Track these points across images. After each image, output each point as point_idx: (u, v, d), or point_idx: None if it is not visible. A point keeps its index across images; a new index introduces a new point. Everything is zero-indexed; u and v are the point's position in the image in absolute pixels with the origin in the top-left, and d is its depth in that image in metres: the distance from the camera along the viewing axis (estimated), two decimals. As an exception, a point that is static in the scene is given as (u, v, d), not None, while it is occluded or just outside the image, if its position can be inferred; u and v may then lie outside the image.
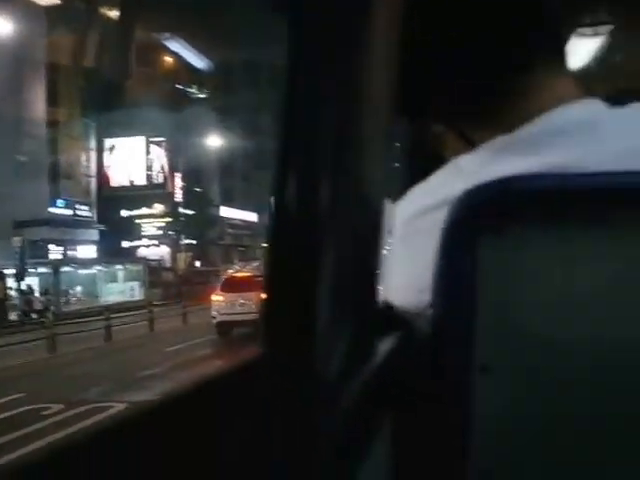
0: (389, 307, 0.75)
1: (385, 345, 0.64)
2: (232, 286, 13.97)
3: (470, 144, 0.72)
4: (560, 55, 0.71)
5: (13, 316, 20.80)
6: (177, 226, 34.67)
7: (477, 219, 0.59)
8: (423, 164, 0.85)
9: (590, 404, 0.61)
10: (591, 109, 0.67)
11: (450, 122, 0.75)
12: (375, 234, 0.56)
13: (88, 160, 31.80)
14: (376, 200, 0.56)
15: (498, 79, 0.69)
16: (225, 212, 39.11)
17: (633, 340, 0.57)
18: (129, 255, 32.53)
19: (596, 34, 2.50)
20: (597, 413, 0.61)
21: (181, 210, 35.24)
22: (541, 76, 0.69)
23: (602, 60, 2.64)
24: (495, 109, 0.70)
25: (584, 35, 2.50)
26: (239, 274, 15.32)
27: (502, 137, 0.67)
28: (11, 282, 21.48)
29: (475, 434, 0.65)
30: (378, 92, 0.53)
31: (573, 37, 2.66)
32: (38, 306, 21.51)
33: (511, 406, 0.64)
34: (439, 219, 0.62)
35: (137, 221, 35.11)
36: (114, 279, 27.86)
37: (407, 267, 0.72)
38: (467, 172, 0.67)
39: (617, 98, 0.68)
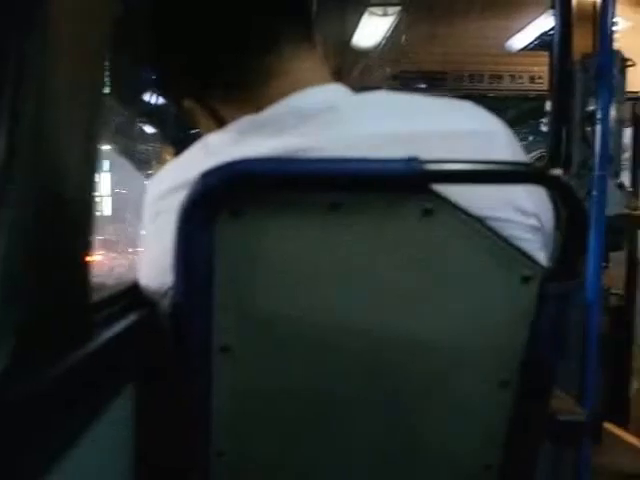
0: (136, 287, 0.73)
1: (121, 325, 0.62)
2: None
3: (221, 122, 0.71)
4: (308, 40, 0.72)
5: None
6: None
7: (214, 200, 0.59)
8: (178, 141, 0.83)
9: (321, 380, 0.64)
10: (335, 94, 0.69)
11: (200, 99, 0.73)
12: (84, 221, 0.53)
13: None
14: (83, 188, 0.53)
15: (242, 58, 0.69)
16: None
17: (356, 318, 0.61)
18: None
19: (385, 14, 2.64)
20: (328, 390, 0.64)
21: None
22: (288, 58, 0.70)
23: (389, 39, 2.80)
24: (243, 88, 0.70)
25: (374, 14, 2.63)
26: None
27: (248, 117, 0.67)
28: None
29: (215, 414, 0.65)
30: (85, 78, 0.49)
31: (364, 15, 2.80)
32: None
33: (251, 386, 0.65)
34: (181, 199, 0.60)
35: None
36: None
37: (153, 247, 0.71)
38: (213, 151, 0.66)
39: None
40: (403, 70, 2.77)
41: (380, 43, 2.87)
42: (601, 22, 1.38)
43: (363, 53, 2.91)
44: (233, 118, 0.69)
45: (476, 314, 0.62)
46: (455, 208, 0.56)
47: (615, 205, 1.51)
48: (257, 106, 0.67)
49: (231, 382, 0.64)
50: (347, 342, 0.61)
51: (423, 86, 2.78)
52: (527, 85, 2.89)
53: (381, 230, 0.57)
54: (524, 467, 0.73)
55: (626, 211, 1.63)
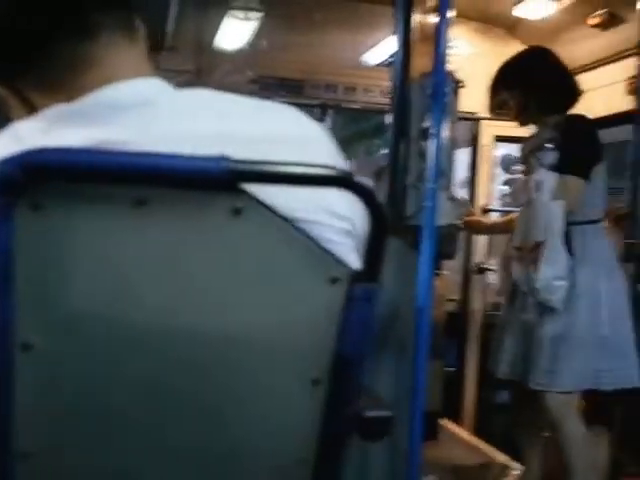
0: None
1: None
2: None
3: (35, 111, 0.68)
4: (128, 32, 0.70)
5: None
6: None
7: (13, 190, 0.55)
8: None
9: (130, 379, 0.62)
10: (153, 89, 0.68)
11: (11, 86, 0.69)
12: None
13: None
14: None
15: (52, 45, 0.66)
16: None
17: (164, 317, 0.60)
18: None
19: (247, 19, 2.65)
20: (138, 389, 0.63)
21: None
22: (105, 49, 0.68)
23: (251, 44, 2.82)
24: (55, 76, 0.67)
25: (236, 17, 2.63)
26: None
27: (60, 106, 0.64)
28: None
29: (19, 414, 0.62)
30: None
31: (226, 18, 2.79)
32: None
33: (56, 385, 0.62)
34: None
35: None
36: None
37: None
38: (22, 139, 0.62)
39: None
40: (262, 75, 2.79)
41: (242, 47, 2.87)
42: (436, 44, 1.48)
43: (225, 56, 2.89)
44: (46, 107, 0.66)
45: (286, 314, 0.64)
46: (265, 208, 0.58)
47: (446, 215, 1.63)
48: (71, 95, 0.65)
49: (34, 381, 0.61)
50: (156, 342, 0.60)
51: (282, 93, 2.83)
52: (378, 99, 3.04)
53: (190, 228, 0.57)
54: (336, 461, 0.76)
55: (457, 222, 1.77)
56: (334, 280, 0.63)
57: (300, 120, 0.71)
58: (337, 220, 0.68)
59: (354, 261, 0.67)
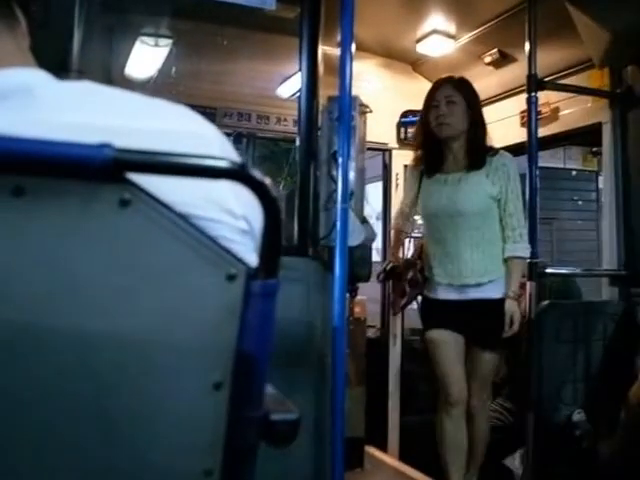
0: None
1: None
2: None
3: None
4: (9, 22, 0.68)
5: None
6: None
7: None
8: None
9: (10, 381, 0.57)
10: (34, 78, 0.65)
11: None
12: None
13: None
14: None
15: None
16: None
17: (49, 317, 0.56)
18: None
19: (157, 45, 2.64)
20: (19, 393, 0.58)
21: None
22: None
23: (161, 71, 2.80)
24: None
25: (146, 44, 2.62)
26: None
27: None
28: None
29: None
30: None
31: (136, 44, 2.77)
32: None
33: None
34: None
35: None
36: None
37: None
38: None
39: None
40: (176, 102, 2.77)
41: (153, 74, 2.85)
42: (340, 69, 1.54)
43: (136, 82, 2.86)
44: None
45: (181, 313, 0.61)
46: (155, 201, 0.56)
47: (356, 237, 1.65)
48: None
49: None
50: (39, 342, 0.56)
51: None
52: (290, 127, 3.11)
53: (74, 220, 0.54)
54: (243, 469, 0.74)
55: (368, 243, 1.80)
56: (231, 277, 0.62)
57: (192, 117, 0.70)
58: (233, 219, 0.67)
59: (254, 261, 0.66)
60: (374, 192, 3.86)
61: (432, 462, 2.78)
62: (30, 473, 0.61)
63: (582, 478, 2.50)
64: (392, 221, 3.22)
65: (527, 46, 2.54)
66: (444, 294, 2.69)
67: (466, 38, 3.26)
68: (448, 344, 2.64)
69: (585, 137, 3.38)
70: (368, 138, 1.96)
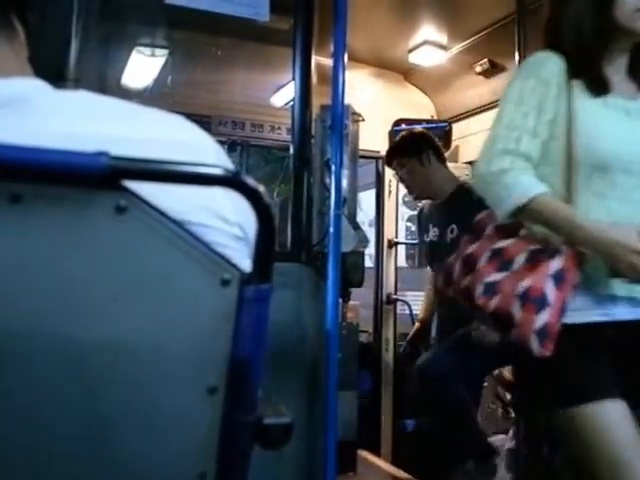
0: None
1: None
2: None
3: None
4: (7, 31, 0.69)
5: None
6: None
7: None
8: None
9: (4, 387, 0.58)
10: (31, 87, 0.66)
11: None
12: None
13: None
14: None
15: None
16: None
17: (45, 323, 0.57)
18: None
19: (153, 55, 2.66)
20: (13, 398, 0.59)
21: None
22: None
23: (157, 80, 2.82)
24: None
25: (142, 54, 2.64)
26: None
27: None
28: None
29: None
30: None
31: (133, 53, 2.79)
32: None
33: None
34: None
35: None
36: None
37: None
38: None
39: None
40: (169, 111, 2.79)
41: (149, 83, 2.87)
42: (333, 79, 1.55)
43: (132, 91, 2.88)
44: None
45: (177, 318, 0.62)
46: (151, 208, 0.57)
47: (349, 242, 1.67)
48: None
49: None
50: (34, 349, 0.57)
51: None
52: (284, 136, 3.13)
53: (71, 227, 0.55)
54: (237, 473, 0.75)
55: (360, 249, 1.82)
56: (225, 282, 0.63)
57: (188, 126, 0.71)
58: (227, 225, 0.69)
59: (248, 267, 0.67)
60: (367, 199, 3.90)
61: (425, 466, 2.78)
62: (23, 478, 0.62)
63: None
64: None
65: (517, 56, 2.58)
66: (621, 313, 1.38)
67: (457, 48, 3.30)
68: (626, 419, 1.32)
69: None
70: (361, 146, 1.99)
